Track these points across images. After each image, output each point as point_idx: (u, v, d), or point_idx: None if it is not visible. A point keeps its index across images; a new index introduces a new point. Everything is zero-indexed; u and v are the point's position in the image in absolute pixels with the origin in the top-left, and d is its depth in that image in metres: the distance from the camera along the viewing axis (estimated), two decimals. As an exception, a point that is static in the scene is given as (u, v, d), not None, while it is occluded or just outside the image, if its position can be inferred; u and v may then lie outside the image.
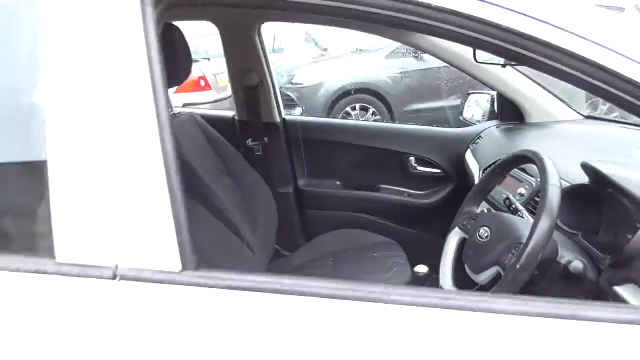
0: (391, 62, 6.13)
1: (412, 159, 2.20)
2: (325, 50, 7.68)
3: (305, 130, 2.23)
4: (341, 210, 2.19)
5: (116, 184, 0.72)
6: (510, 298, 0.73)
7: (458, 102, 4.18)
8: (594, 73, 0.73)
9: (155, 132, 0.71)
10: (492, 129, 2.11)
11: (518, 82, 1.98)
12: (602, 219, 1.10)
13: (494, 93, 2.15)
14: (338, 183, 2.29)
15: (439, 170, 2.20)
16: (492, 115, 2.22)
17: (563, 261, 1.05)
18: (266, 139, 2.15)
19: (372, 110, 6.16)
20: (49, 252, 0.74)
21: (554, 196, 0.99)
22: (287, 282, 0.73)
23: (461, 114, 2.43)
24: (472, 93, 2.39)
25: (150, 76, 0.71)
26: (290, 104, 6.12)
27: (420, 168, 2.21)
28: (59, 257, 0.74)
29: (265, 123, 2.16)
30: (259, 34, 2.05)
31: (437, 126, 2.55)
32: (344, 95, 6.23)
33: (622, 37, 0.74)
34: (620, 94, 0.73)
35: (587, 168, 1.18)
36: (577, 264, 1.03)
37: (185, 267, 0.73)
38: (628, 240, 0.97)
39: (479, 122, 2.28)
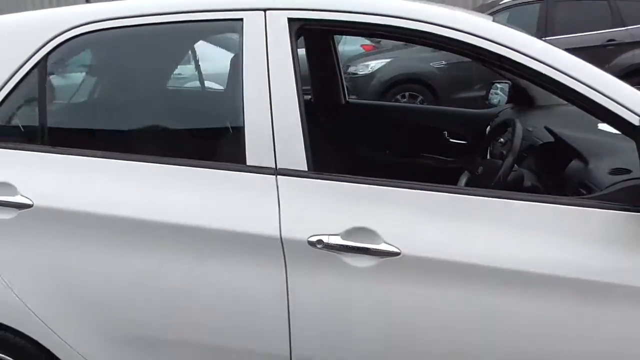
0: (437, 55, 6.73)
1: (445, 132, 2.89)
2: (378, 42, 8.33)
3: (364, 109, 2.95)
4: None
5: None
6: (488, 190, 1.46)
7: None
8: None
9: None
10: (507, 110, 2.76)
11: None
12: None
13: (509, 82, 2.80)
14: (387, 152, 2.99)
15: (465, 142, 2.87)
16: (510, 100, 2.87)
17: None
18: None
19: (420, 98, 6.79)
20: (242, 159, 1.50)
21: (517, 144, 1.69)
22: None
23: (487, 99, 3.08)
24: (495, 82, 3.04)
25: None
26: (345, 92, 6.84)
27: (452, 140, 2.89)
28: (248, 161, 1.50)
29: (335, 103, 2.89)
30: (333, 39, 2.77)
31: (467, 108, 3.21)
32: (394, 84, 6.89)
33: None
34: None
35: (548, 130, 1.85)
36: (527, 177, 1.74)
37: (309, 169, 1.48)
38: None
39: (500, 105, 2.93)
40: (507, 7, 7.02)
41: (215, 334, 1.58)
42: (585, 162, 1.70)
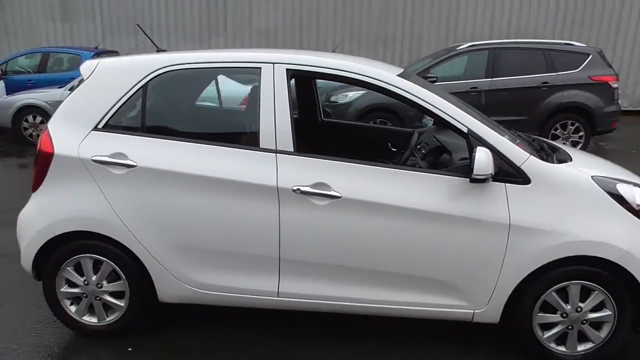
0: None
1: (389, 143, 4.14)
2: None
3: (334, 125, 4.20)
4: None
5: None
6: (393, 165, 2.70)
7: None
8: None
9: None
10: (430, 128, 4.03)
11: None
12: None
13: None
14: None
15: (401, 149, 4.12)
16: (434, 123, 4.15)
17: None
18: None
19: (389, 123, 8.08)
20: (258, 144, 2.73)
21: (412, 144, 2.97)
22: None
23: (420, 122, 4.38)
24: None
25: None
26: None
27: (392, 148, 4.15)
28: (261, 145, 2.73)
29: (314, 120, 4.12)
30: (314, 81, 4.02)
31: (406, 127, 4.49)
32: (368, 112, 8.19)
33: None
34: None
35: (436, 138, 3.12)
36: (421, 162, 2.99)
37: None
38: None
39: (428, 126, 4.22)
40: (464, 52, 8.41)
41: (235, 245, 2.78)
42: (450, 154, 2.97)
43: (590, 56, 8.09)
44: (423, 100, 2.74)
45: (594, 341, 2.76)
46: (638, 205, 2.68)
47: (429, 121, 4.30)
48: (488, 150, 2.55)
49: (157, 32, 13.67)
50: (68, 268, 2.92)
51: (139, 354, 2.90)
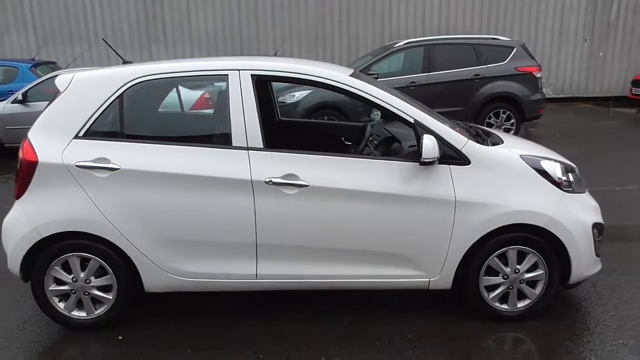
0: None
1: (343, 137, 4.52)
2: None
3: (289, 124, 4.53)
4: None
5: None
6: (353, 155, 3.07)
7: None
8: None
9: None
10: (379, 122, 4.44)
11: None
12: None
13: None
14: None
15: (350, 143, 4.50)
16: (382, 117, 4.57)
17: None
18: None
19: (335, 120, 8.48)
20: (230, 143, 3.03)
21: (366, 136, 3.35)
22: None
23: (368, 116, 4.78)
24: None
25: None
26: (275, 116, 8.42)
27: (347, 142, 4.53)
28: (233, 144, 3.03)
29: (272, 120, 4.44)
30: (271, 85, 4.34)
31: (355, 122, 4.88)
32: (315, 110, 8.56)
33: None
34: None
35: (386, 130, 3.52)
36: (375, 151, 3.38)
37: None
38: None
39: (376, 120, 4.62)
40: (401, 50, 8.96)
41: (216, 235, 3.06)
42: (400, 143, 3.38)
43: (515, 49, 8.84)
44: (374, 96, 3.12)
45: (531, 297, 3.24)
46: (559, 178, 3.18)
47: (376, 116, 4.70)
48: (433, 137, 2.96)
49: (95, 41, 13.47)
50: (56, 267, 3.10)
51: (129, 341, 3.12)
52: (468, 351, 3.00)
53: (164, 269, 3.10)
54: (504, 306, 3.26)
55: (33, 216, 3.03)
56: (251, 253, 3.09)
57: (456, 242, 3.09)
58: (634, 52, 14.08)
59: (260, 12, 13.67)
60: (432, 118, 3.13)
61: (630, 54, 14.10)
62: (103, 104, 3.06)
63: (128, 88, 3.08)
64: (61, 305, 3.18)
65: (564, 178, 3.20)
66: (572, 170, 3.31)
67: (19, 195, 3.07)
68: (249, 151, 3.03)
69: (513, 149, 3.27)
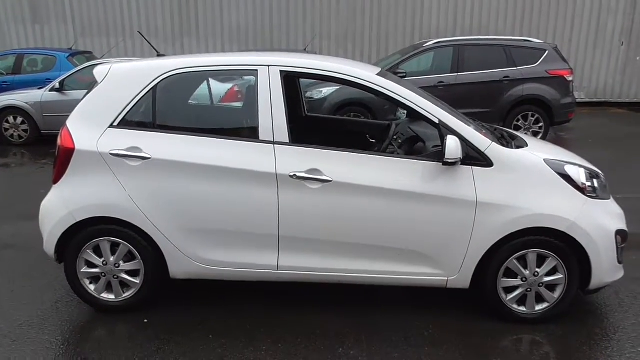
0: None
1: (367, 135, 4.57)
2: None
3: (315, 119, 4.61)
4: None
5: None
6: (376, 152, 3.13)
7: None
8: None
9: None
10: (404, 120, 4.47)
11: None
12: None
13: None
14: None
15: (375, 141, 4.55)
16: (408, 115, 4.60)
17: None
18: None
19: (362, 117, 8.53)
20: (257, 137, 3.11)
21: (390, 135, 3.40)
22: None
23: (394, 115, 4.81)
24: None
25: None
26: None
27: (371, 140, 4.58)
28: (260, 137, 3.12)
29: (299, 116, 4.51)
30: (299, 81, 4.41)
31: (380, 121, 4.93)
32: (342, 106, 8.62)
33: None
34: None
35: (411, 129, 3.56)
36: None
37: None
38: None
39: (402, 119, 4.66)
40: (430, 49, 8.93)
41: (240, 225, 3.16)
42: (424, 142, 3.42)
43: (547, 52, 8.71)
44: (400, 95, 3.16)
45: (549, 301, 3.25)
46: (583, 183, 3.17)
47: (402, 114, 4.74)
48: (457, 138, 2.99)
49: (130, 33, 13.78)
50: (88, 251, 3.25)
51: (154, 325, 3.25)
52: (484, 350, 3.03)
53: (188, 257, 3.22)
54: (522, 308, 3.27)
55: (68, 201, 3.18)
56: (273, 245, 3.18)
57: (476, 243, 3.12)
58: (673, 57, 13.70)
59: (292, 7, 13.77)
60: (456, 119, 3.16)
61: (669, 59, 13.73)
62: (137, 95, 3.18)
63: (161, 80, 3.19)
64: (92, 287, 3.33)
65: (588, 184, 3.19)
66: (596, 176, 3.30)
67: (56, 180, 3.23)
68: (275, 145, 3.11)
69: (537, 153, 3.27)
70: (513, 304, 3.26)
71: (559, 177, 3.15)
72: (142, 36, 3.85)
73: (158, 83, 3.19)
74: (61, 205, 3.20)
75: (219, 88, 5.75)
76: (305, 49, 11.42)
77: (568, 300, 3.25)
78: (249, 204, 3.12)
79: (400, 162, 3.15)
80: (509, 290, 3.25)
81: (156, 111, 3.22)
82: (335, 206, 3.10)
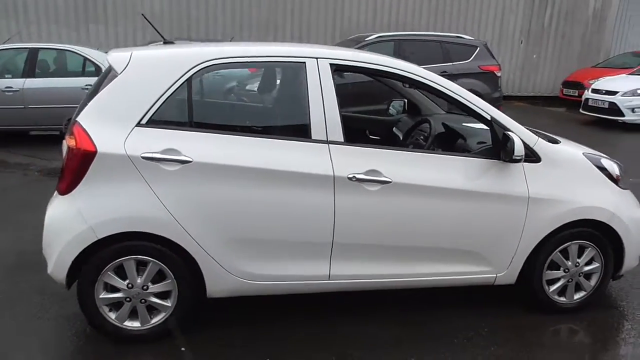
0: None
1: (367, 131, 4.41)
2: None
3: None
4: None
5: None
6: (426, 151, 2.98)
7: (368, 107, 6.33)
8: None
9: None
10: (404, 117, 4.39)
11: (416, 95, 4.29)
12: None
13: (405, 100, 4.43)
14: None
15: (379, 137, 4.42)
16: (405, 111, 4.50)
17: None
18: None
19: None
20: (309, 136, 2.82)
21: (434, 131, 3.27)
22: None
23: (387, 111, 4.69)
24: (393, 100, 4.66)
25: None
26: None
27: (371, 136, 4.43)
28: (313, 137, 2.83)
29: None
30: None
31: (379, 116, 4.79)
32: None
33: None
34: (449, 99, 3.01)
35: (444, 125, 3.48)
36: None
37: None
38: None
39: (396, 115, 4.56)
40: (371, 43, 8.94)
41: (290, 233, 2.85)
42: (464, 139, 3.34)
43: (479, 48, 9.15)
44: (452, 91, 3.05)
45: (586, 290, 3.35)
46: (617, 175, 3.30)
47: (393, 108, 4.63)
48: (517, 135, 2.95)
49: (24, 15, 12.22)
50: (109, 272, 2.74)
51: (195, 353, 2.84)
52: (543, 342, 3.04)
53: (231, 272, 2.84)
54: (562, 299, 3.34)
55: (87, 214, 2.65)
56: (326, 253, 2.92)
57: (527, 238, 3.11)
58: (564, 56, 15.10)
59: (210, -2, 13.10)
60: (505, 115, 3.12)
61: (561, 57, 15.11)
62: (169, 88, 2.72)
63: (197, 71, 2.77)
64: (112, 315, 2.82)
65: (621, 175, 3.32)
66: (621, 168, 3.45)
67: (67, 189, 2.68)
68: (329, 145, 2.85)
69: (574, 148, 3.34)
70: (555, 295, 3.31)
71: (597, 170, 3.24)
72: (149, 22, 3.31)
73: (194, 74, 2.76)
74: (77, 220, 2.65)
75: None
76: (231, 40, 10.92)
77: (603, 288, 3.37)
78: (301, 209, 2.83)
79: (456, 161, 3.03)
80: (551, 282, 3.29)
81: (192, 107, 2.78)
82: (394, 208, 2.92)
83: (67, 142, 2.70)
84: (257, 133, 2.85)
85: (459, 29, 13.91)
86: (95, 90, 2.88)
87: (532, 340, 3.06)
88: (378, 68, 3.02)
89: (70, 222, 2.67)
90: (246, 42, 3.22)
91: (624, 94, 10.58)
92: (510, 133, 2.93)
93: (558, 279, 3.29)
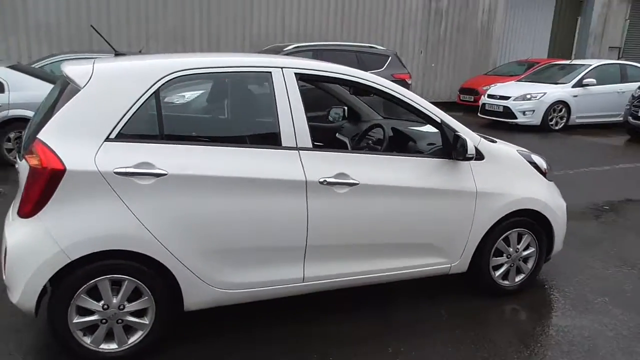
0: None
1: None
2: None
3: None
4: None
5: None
6: (384, 152, 3.17)
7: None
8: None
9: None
10: (346, 124, 4.59)
11: (355, 101, 4.51)
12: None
13: (345, 107, 4.63)
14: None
15: (322, 143, 4.57)
16: (345, 117, 4.70)
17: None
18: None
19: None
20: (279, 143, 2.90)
21: (386, 135, 3.49)
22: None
23: (327, 118, 4.87)
24: (333, 107, 4.84)
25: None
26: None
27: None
28: (283, 144, 2.91)
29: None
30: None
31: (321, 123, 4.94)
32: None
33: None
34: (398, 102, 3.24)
35: (394, 130, 3.70)
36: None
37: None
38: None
39: (336, 122, 4.74)
40: (289, 53, 9.12)
41: (268, 240, 2.91)
42: (414, 142, 3.60)
43: (390, 57, 9.67)
44: (408, 98, 3.29)
45: (525, 272, 3.73)
46: (545, 168, 3.72)
47: (336, 115, 4.81)
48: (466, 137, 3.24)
49: None
50: (82, 295, 2.63)
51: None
52: (491, 321, 3.35)
53: (209, 284, 2.84)
54: (506, 282, 3.69)
55: (58, 236, 2.52)
56: (300, 256, 3.01)
57: (476, 229, 3.42)
58: (458, 65, 16.31)
59: (112, 9, 12.55)
60: (452, 119, 3.41)
61: (456, 66, 16.30)
62: (137, 101, 2.68)
63: (165, 82, 2.75)
64: (87, 340, 2.70)
65: (548, 169, 3.75)
66: (548, 163, 3.89)
67: (32, 211, 2.53)
68: (300, 151, 2.95)
69: (509, 146, 3.73)
70: (499, 279, 3.65)
71: (529, 165, 3.64)
72: (99, 33, 3.16)
73: (162, 85, 2.74)
74: (47, 243, 2.52)
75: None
76: (140, 51, 10.57)
77: (538, 270, 3.78)
78: (276, 214, 2.90)
79: (413, 161, 3.27)
80: (496, 267, 3.63)
81: (162, 119, 2.75)
82: (361, 209, 3.08)
83: (29, 162, 2.56)
84: (227, 142, 2.87)
85: (363, 39, 14.52)
86: (52, 106, 2.75)
87: (484, 320, 3.37)
88: (341, 77, 3.19)
89: (38, 245, 2.53)
90: (205, 52, 3.20)
91: (516, 99, 11.68)
92: (460, 134, 3.22)
93: (502, 265, 3.64)
